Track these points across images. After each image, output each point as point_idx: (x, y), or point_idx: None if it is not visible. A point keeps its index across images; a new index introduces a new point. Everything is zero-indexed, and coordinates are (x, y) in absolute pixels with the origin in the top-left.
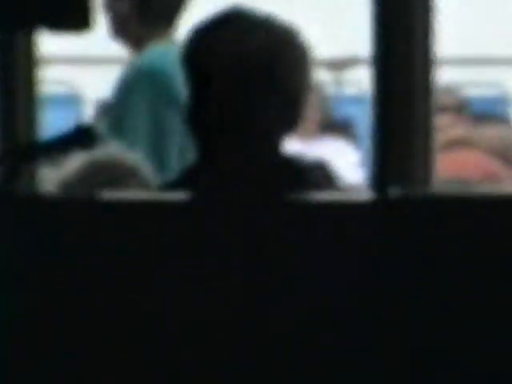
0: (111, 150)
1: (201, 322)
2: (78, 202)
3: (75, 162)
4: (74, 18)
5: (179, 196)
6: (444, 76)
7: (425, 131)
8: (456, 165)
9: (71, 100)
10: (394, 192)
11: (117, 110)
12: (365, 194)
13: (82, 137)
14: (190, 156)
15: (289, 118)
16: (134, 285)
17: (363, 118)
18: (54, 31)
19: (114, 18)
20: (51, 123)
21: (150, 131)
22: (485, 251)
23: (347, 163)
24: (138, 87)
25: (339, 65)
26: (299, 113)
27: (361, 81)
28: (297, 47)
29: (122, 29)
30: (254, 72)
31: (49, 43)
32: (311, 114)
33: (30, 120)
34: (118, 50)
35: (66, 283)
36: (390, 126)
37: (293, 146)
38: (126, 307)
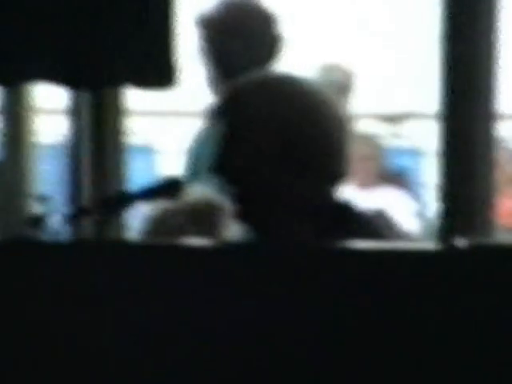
0: (203, 193)
1: None
2: (160, 247)
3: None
4: (159, 77)
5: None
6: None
7: (487, 183)
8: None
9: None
10: (462, 242)
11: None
12: (430, 244)
13: (170, 187)
14: None
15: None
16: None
17: (416, 170)
18: (140, 88)
19: (205, 76)
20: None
21: None
22: None
23: (404, 212)
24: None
25: (396, 119)
26: (341, 168)
27: (415, 134)
28: (332, 112)
29: (211, 87)
30: (291, 136)
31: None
32: (367, 164)
33: (118, 170)
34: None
35: (151, 325)
36: (455, 179)
37: (352, 195)
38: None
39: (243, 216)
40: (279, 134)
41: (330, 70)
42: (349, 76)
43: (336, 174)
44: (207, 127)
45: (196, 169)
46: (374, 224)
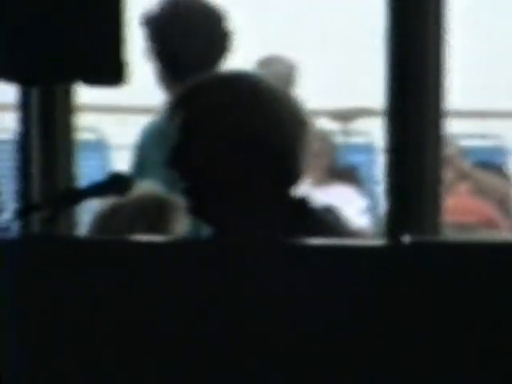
0: (152, 188)
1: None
2: (110, 243)
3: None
4: (110, 73)
5: (195, 239)
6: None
7: (435, 180)
8: (456, 209)
9: (98, 146)
10: (406, 238)
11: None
12: (377, 240)
13: (117, 183)
14: None
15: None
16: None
17: (369, 166)
18: (90, 85)
19: (154, 74)
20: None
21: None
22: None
23: (354, 209)
24: (154, 140)
25: (348, 115)
26: (298, 165)
27: (367, 131)
28: (293, 113)
29: (160, 86)
30: (252, 138)
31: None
32: (319, 161)
33: (68, 166)
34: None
35: (100, 319)
36: (402, 176)
37: (303, 191)
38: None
39: (197, 211)
40: (236, 130)
41: (270, 62)
42: (290, 68)
43: (293, 172)
44: (154, 123)
45: (143, 164)
46: (323, 220)
